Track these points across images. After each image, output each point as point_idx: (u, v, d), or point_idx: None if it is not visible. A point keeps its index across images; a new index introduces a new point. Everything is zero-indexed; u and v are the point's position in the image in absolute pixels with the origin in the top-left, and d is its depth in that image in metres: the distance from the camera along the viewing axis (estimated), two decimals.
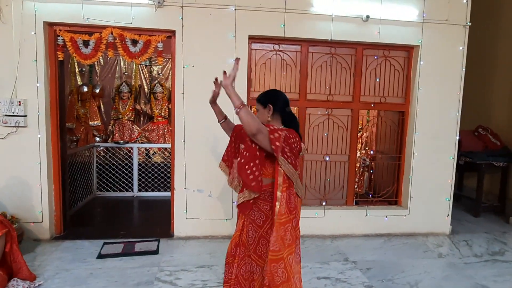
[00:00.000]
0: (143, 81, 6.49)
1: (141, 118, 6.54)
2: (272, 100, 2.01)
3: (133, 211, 4.89)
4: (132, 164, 5.39)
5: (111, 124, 6.17)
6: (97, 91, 5.99)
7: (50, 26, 3.44)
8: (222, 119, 2.24)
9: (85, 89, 5.80)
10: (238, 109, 1.76)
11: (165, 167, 5.44)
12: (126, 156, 5.54)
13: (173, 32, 3.52)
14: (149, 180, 5.43)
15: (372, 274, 3.09)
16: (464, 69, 3.93)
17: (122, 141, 5.75)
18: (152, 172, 5.44)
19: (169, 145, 5.35)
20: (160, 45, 3.52)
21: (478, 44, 5.05)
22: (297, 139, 1.89)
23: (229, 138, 2.27)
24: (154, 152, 5.86)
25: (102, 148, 5.62)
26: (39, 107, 3.42)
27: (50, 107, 3.53)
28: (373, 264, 3.28)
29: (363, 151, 5.22)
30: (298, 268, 1.99)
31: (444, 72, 3.92)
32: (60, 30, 3.43)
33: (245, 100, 3.61)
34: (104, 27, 3.42)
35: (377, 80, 4.01)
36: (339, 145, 4.06)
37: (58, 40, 3.44)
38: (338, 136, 4.05)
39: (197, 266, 3.12)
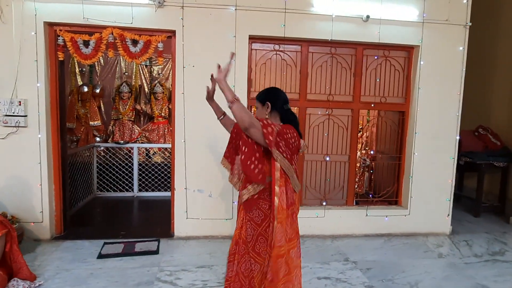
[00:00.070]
0: (143, 81, 6.49)
1: (142, 118, 6.54)
2: (270, 98, 2.01)
3: (133, 211, 4.89)
4: (132, 164, 5.39)
5: (111, 124, 6.17)
6: (98, 91, 5.99)
7: (51, 26, 3.44)
8: (221, 115, 2.24)
9: (86, 89, 5.80)
10: (231, 103, 1.77)
11: (165, 167, 5.45)
12: (126, 156, 5.54)
13: (173, 32, 3.52)
14: (149, 180, 5.43)
15: (373, 274, 3.09)
16: (464, 69, 3.93)
17: (122, 141, 5.75)
18: (152, 172, 5.44)
19: (169, 145, 5.35)
20: (160, 45, 3.52)
21: (478, 44, 5.05)
22: (294, 134, 1.88)
23: (229, 135, 2.27)
24: (154, 152, 5.86)
25: (102, 148, 5.62)
26: (39, 107, 3.42)
27: (51, 107, 3.53)
28: (373, 264, 3.28)
29: (363, 151, 5.22)
30: (298, 262, 2.00)
31: (444, 72, 3.93)
32: (61, 30, 3.44)
33: (245, 100, 3.64)
34: (105, 27, 3.42)
35: (377, 80, 4.01)
36: (339, 145, 4.06)
37: (59, 40, 3.44)
38: (338, 136, 4.05)
39: (197, 266, 3.12)
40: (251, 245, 1.96)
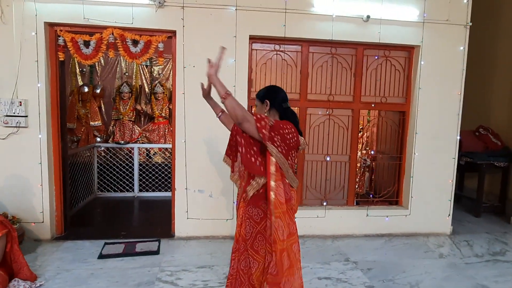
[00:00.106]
0: (144, 81, 6.49)
1: (142, 119, 6.54)
2: (269, 96, 2.02)
3: (133, 211, 4.90)
4: (132, 165, 5.39)
5: (111, 125, 6.16)
6: (98, 91, 5.99)
7: (51, 27, 3.44)
8: (220, 112, 2.23)
9: (86, 89, 5.80)
10: (223, 98, 1.77)
11: (166, 167, 5.45)
12: (127, 157, 5.54)
13: (174, 32, 3.52)
14: (150, 180, 5.43)
15: (373, 274, 3.09)
16: (464, 69, 3.93)
17: (122, 142, 5.75)
18: (153, 173, 5.45)
19: (170, 146, 5.36)
20: (160, 45, 3.53)
21: (478, 44, 5.05)
22: (292, 130, 1.88)
23: (229, 132, 2.26)
24: (155, 152, 5.86)
25: (102, 148, 5.62)
26: (40, 108, 3.42)
27: (51, 108, 3.54)
28: (374, 264, 3.28)
29: (364, 151, 5.22)
30: (298, 256, 2.00)
31: (445, 72, 3.93)
32: (61, 30, 3.44)
33: (245, 100, 3.64)
34: (105, 28, 3.42)
35: (378, 80, 4.01)
36: (339, 145, 4.06)
37: (59, 41, 3.44)
38: (338, 136, 4.05)
39: (198, 266, 3.12)
40: (249, 242, 1.97)
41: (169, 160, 5.49)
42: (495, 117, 5.20)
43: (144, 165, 5.51)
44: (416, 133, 3.96)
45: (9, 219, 3.21)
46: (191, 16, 3.50)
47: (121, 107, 6.08)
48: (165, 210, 4.35)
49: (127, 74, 6.38)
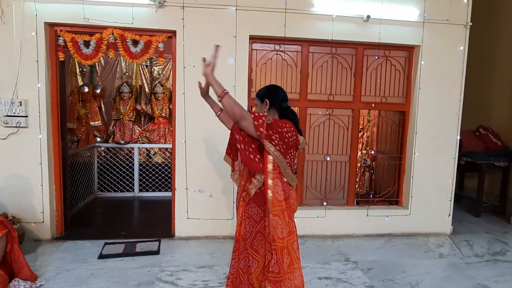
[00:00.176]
0: (144, 81, 6.50)
1: (142, 119, 6.54)
2: (269, 95, 2.03)
3: (134, 211, 4.90)
4: (133, 165, 5.39)
5: (112, 125, 6.17)
6: (98, 91, 5.99)
7: (51, 27, 3.44)
8: (218, 111, 2.22)
9: (86, 89, 5.80)
10: (220, 97, 1.77)
11: (166, 167, 5.45)
12: (127, 157, 5.55)
13: (174, 32, 3.52)
14: (150, 180, 5.43)
15: (373, 274, 3.09)
16: (464, 69, 3.93)
17: (123, 142, 5.76)
18: (153, 173, 5.45)
19: (170, 146, 5.36)
20: (161, 45, 3.53)
21: (478, 44, 5.05)
22: (291, 129, 1.88)
23: (229, 131, 2.26)
24: (155, 152, 5.86)
25: (103, 148, 5.63)
26: (40, 108, 3.42)
27: (51, 108, 3.54)
28: (374, 264, 3.28)
29: (364, 151, 5.22)
30: (298, 254, 2.01)
31: (445, 72, 3.93)
32: (61, 30, 3.44)
33: (245, 100, 3.64)
34: (105, 28, 3.42)
35: (378, 80, 4.01)
36: (340, 145, 4.06)
37: (59, 41, 3.44)
38: (339, 136, 4.05)
39: (198, 266, 3.12)
40: (249, 242, 1.97)
41: (169, 160, 5.49)
42: (495, 117, 5.20)
43: (144, 165, 5.52)
44: (416, 133, 3.96)
45: (9, 219, 3.22)
46: (191, 16, 3.50)
47: (121, 107, 6.08)
48: (165, 210, 4.35)
49: (127, 74, 6.38)
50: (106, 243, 3.50)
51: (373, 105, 4.03)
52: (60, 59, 3.52)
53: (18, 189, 3.46)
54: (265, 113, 2.01)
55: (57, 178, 3.62)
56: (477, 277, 3.09)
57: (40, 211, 3.51)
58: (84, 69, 6.13)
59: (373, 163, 4.87)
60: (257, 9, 3.55)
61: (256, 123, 1.76)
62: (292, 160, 1.96)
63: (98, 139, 5.93)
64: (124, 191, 5.38)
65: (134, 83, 6.34)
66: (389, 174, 4.32)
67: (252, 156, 1.84)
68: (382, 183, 4.47)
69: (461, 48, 3.89)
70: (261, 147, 1.85)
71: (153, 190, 5.43)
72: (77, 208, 4.55)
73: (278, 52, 3.80)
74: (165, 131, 6.15)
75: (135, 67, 6.37)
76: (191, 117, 3.60)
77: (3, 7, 3.29)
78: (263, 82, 3.81)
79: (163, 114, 6.17)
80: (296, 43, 3.80)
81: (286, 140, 1.85)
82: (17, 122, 3.37)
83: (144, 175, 5.44)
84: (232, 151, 2.18)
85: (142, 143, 5.99)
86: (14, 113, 3.35)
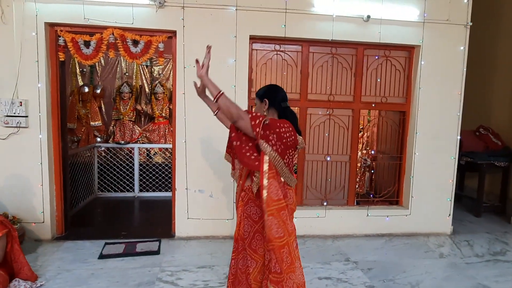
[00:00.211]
0: (144, 81, 6.50)
1: (142, 119, 6.54)
2: (269, 94, 2.02)
3: (134, 211, 4.90)
4: (133, 165, 5.39)
5: (112, 125, 6.17)
6: (98, 91, 6.00)
7: (51, 27, 3.45)
8: (216, 110, 2.21)
9: (86, 89, 5.80)
10: (216, 98, 1.77)
11: (166, 168, 5.45)
12: (127, 157, 5.55)
13: (174, 32, 3.52)
14: (150, 180, 5.43)
15: (373, 274, 3.08)
16: (465, 69, 3.93)
17: (123, 142, 5.76)
18: (153, 173, 5.45)
19: (170, 146, 5.36)
20: (161, 45, 3.53)
21: (478, 44, 5.05)
22: (290, 129, 1.87)
23: (228, 129, 2.26)
24: (155, 152, 5.86)
25: (103, 148, 5.63)
26: (40, 108, 3.42)
27: (51, 108, 3.54)
28: (374, 264, 3.28)
29: (364, 151, 5.22)
30: (297, 253, 2.00)
31: (445, 72, 3.92)
32: (61, 30, 3.44)
33: (246, 100, 3.64)
34: (105, 28, 3.42)
35: (378, 80, 4.01)
36: (340, 145, 4.06)
37: (59, 41, 3.45)
38: (339, 136, 4.04)
39: (198, 266, 3.12)
40: (247, 241, 1.97)
41: (170, 160, 5.50)
42: (496, 117, 5.20)
43: (144, 165, 5.52)
44: (416, 133, 3.96)
45: (9, 219, 3.22)
46: (191, 16, 3.50)
47: (121, 107, 6.09)
48: (165, 210, 4.35)
49: (127, 74, 6.38)
50: (106, 243, 3.50)
51: (373, 105, 4.03)
52: (60, 59, 3.52)
53: (19, 189, 3.47)
54: (265, 113, 2.01)
55: (57, 178, 3.62)
56: (477, 277, 3.08)
57: (40, 211, 3.52)
58: (84, 69, 6.14)
59: (373, 163, 4.87)
60: (257, 9, 3.55)
61: (253, 122, 1.76)
62: (290, 160, 1.94)
63: (98, 139, 5.93)
64: (124, 191, 5.38)
65: (134, 83, 6.34)
66: (389, 174, 4.32)
67: (248, 154, 1.82)
68: (382, 183, 4.47)
69: (461, 48, 3.89)
70: (258, 145, 1.85)
71: (153, 190, 5.43)
72: (77, 208, 4.55)
73: (278, 52, 3.80)
74: (165, 131, 6.15)
75: (135, 67, 6.38)
76: (191, 117, 3.60)
77: (3, 7, 3.29)
78: (263, 82, 3.81)
79: (163, 114, 6.17)
80: (296, 43, 3.80)
81: (284, 140, 1.83)
82: (18, 122, 3.37)
83: (144, 175, 5.44)
84: (232, 149, 2.18)
85: (142, 143, 5.99)
86: (15, 113, 3.35)
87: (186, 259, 3.26)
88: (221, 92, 1.78)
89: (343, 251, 3.56)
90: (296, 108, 3.91)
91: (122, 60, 6.34)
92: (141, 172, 5.43)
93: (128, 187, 5.38)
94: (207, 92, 2.10)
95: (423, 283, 2.96)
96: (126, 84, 6.13)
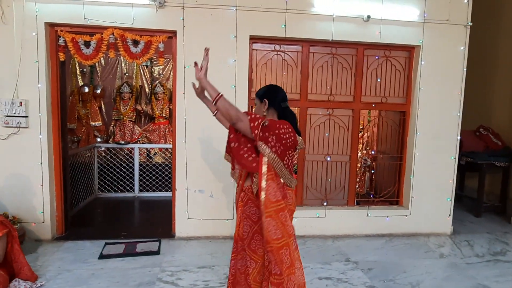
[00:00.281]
0: (144, 81, 6.50)
1: (142, 119, 6.54)
2: (268, 95, 2.02)
3: (134, 211, 4.90)
4: (133, 165, 5.39)
5: (112, 125, 6.17)
6: (98, 91, 6.00)
7: (52, 27, 3.45)
8: (215, 110, 2.20)
9: (86, 89, 5.80)
10: (215, 100, 1.78)
11: (166, 168, 5.45)
12: (127, 157, 5.55)
13: (174, 32, 3.52)
14: (150, 180, 5.43)
15: (374, 274, 3.08)
16: (465, 69, 3.93)
17: (123, 142, 5.76)
18: (153, 173, 5.45)
19: (170, 146, 5.36)
20: (161, 45, 3.53)
21: (479, 44, 5.05)
22: (289, 130, 1.87)
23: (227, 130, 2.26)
24: (155, 152, 5.86)
25: (103, 148, 5.62)
26: (40, 108, 3.42)
27: (52, 108, 3.54)
28: (374, 264, 3.28)
29: (364, 151, 5.22)
30: (296, 254, 2.00)
31: (445, 72, 3.92)
32: (61, 30, 3.44)
33: (246, 101, 3.64)
34: (105, 28, 3.42)
35: (378, 80, 4.01)
36: (340, 145, 4.06)
37: (60, 41, 3.45)
38: (339, 136, 4.04)
39: (198, 266, 3.12)
40: (246, 242, 1.97)
41: (170, 160, 5.50)
42: (496, 117, 5.20)
43: (144, 165, 5.52)
44: (416, 133, 3.96)
45: (9, 220, 3.22)
46: (191, 16, 3.50)
47: (121, 107, 6.09)
48: (165, 210, 4.35)
49: (127, 74, 6.38)
50: (106, 243, 3.50)
51: (373, 105, 4.03)
52: (61, 59, 3.52)
53: (19, 189, 3.47)
54: (264, 113, 2.01)
55: (57, 178, 3.62)
56: (477, 277, 3.08)
57: (40, 211, 3.52)
58: (85, 69, 6.14)
59: (374, 163, 4.86)
60: (257, 9, 3.55)
61: (252, 124, 1.76)
62: (290, 161, 1.94)
63: (99, 139, 5.93)
64: (125, 191, 5.38)
65: (134, 83, 6.34)
66: (389, 174, 4.32)
67: (246, 156, 1.83)
68: (382, 183, 4.47)
69: (462, 48, 3.89)
70: (256, 147, 1.85)
71: (154, 190, 5.43)
72: (77, 208, 4.55)
73: (278, 52, 3.80)
74: (165, 131, 6.15)
75: (135, 67, 6.38)
76: (191, 117, 3.60)
77: (3, 7, 3.29)
78: (264, 82, 3.81)
79: (164, 114, 6.17)
80: (296, 43, 3.80)
81: (283, 142, 1.84)
82: (18, 122, 3.37)
83: (144, 175, 5.44)
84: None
85: (143, 143, 5.99)
86: (15, 113, 3.35)
87: (186, 259, 3.26)
88: (219, 95, 1.78)
89: (343, 251, 3.56)
90: (296, 108, 3.92)
91: (122, 60, 6.33)
92: (141, 172, 5.43)
93: (128, 187, 5.38)
94: (206, 93, 2.10)
95: (423, 283, 2.96)
96: (126, 84, 6.13)
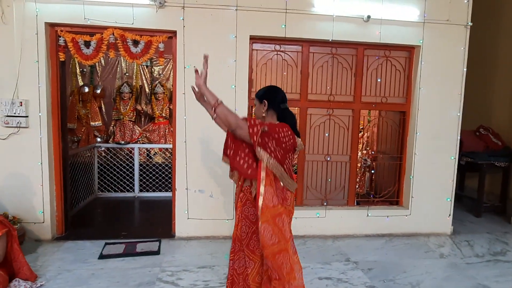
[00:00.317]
0: (144, 81, 6.50)
1: (142, 119, 6.54)
2: (268, 96, 2.03)
3: (134, 211, 4.90)
4: (133, 165, 5.39)
5: (112, 125, 6.17)
6: (98, 91, 6.00)
7: (52, 27, 3.45)
8: (215, 114, 2.22)
9: (86, 89, 5.80)
10: (214, 107, 1.79)
11: (166, 168, 5.45)
12: (127, 157, 5.55)
13: (174, 32, 3.52)
14: (150, 180, 5.43)
15: (374, 274, 3.08)
16: (465, 69, 3.93)
17: (123, 142, 5.76)
18: (153, 173, 5.45)
19: (170, 146, 5.36)
20: (161, 45, 3.53)
21: (479, 44, 5.05)
22: (289, 133, 1.88)
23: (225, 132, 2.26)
24: (155, 152, 5.86)
25: (103, 148, 5.62)
26: (40, 108, 3.42)
27: (52, 108, 3.54)
28: (374, 264, 3.28)
29: (364, 151, 5.22)
30: (295, 257, 2.01)
31: (445, 72, 3.92)
32: (62, 30, 3.44)
33: (246, 101, 3.64)
34: (105, 28, 3.42)
35: (378, 80, 4.01)
36: (340, 145, 4.06)
37: (60, 41, 3.45)
38: (339, 136, 4.04)
39: (198, 266, 3.12)
40: (245, 242, 1.98)
41: (170, 160, 5.50)
42: (496, 117, 5.20)
43: (144, 165, 5.52)
44: (416, 133, 3.96)
45: (9, 220, 3.22)
46: (191, 16, 3.50)
47: (121, 107, 6.09)
48: (165, 210, 4.35)
49: (127, 74, 6.38)
50: (106, 243, 3.50)
51: (373, 105, 4.03)
52: (61, 59, 3.52)
53: (19, 189, 3.46)
54: (264, 114, 2.01)
55: (57, 178, 3.62)
56: (477, 277, 3.08)
57: (40, 211, 3.52)
58: (85, 69, 6.14)
59: (374, 163, 4.86)
60: (257, 9, 3.55)
61: (251, 130, 1.77)
62: (290, 163, 1.96)
63: (99, 139, 5.93)
64: (125, 191, 5.38)
65: (134, 83, 6.34)
66: (389, 174, 4.32)
67: (242, 162, 1.86)
68: (382, 183, 4.47)
69: (462, 48, 3.89)
70: (254, 152, 1.86)
71: (154, 190, 5.43)
72: (77, 208, 4.55)
73: (278, 52, 3.80)
74: (165, 131, 6.15)
75: (135, 67, 6.37)
76: (191, 117, 3.60)
77: (3, 7, 3.29)
78: (264, 82, 3.81)
79: (164, 114, 6.17)
80: (296, 43, 3.80)
81: (283, 145, 1.85)
82: (18, 122, 3.37)
83: (144, 175, 5.44)
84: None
85: (143, 143, 5.99)
86: (15, 113, 3.35)
87: (186, 259, 3.26)
88: (219, 102, 1.78)
89: (343, 251, 3.56)
90: (296, 108, 3.92)
91: (122, 60, 6.33)
92: (141, 172, 5.43)
93: (128, 187, 5.38)
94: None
95: (423, 283, 2.96)
96: (126, 84, 6.13)
